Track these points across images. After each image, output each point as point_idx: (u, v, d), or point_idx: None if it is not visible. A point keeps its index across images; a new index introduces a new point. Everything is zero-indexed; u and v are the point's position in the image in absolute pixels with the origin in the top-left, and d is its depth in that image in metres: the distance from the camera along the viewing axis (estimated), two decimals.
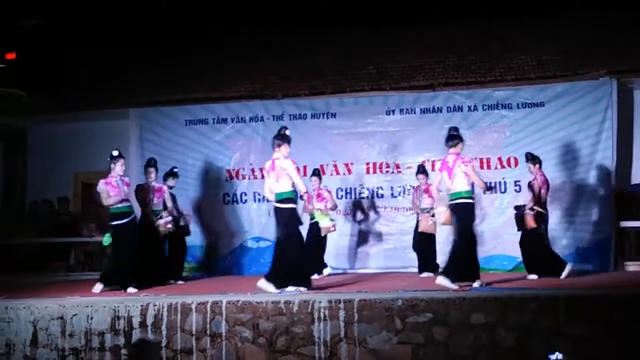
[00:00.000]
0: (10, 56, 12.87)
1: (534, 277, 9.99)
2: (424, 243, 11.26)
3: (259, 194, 12.82)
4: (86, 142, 13.86)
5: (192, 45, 15.79)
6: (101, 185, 9.72)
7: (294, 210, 8.95)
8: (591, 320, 6.94)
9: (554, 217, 11.73)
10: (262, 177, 12.58)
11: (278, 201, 8.89)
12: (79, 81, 14.60)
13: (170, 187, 11.23)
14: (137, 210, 10.50)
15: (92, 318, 7.79)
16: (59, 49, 14.76)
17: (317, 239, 11.18)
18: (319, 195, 11.56)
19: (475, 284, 8.72)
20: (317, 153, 12.73)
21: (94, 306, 7.85)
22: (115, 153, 9.85)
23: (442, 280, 8.55)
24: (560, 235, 11.70)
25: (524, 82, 12.44)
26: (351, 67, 13.86)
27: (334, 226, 10.56)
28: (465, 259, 8.84)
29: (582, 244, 11.61)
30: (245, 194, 13.04)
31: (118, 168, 9.78)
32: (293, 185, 8.90)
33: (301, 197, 9.83)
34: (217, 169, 13.20)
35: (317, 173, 11.84)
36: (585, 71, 12.18)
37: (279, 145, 8.95)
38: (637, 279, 9.74)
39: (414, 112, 12.66)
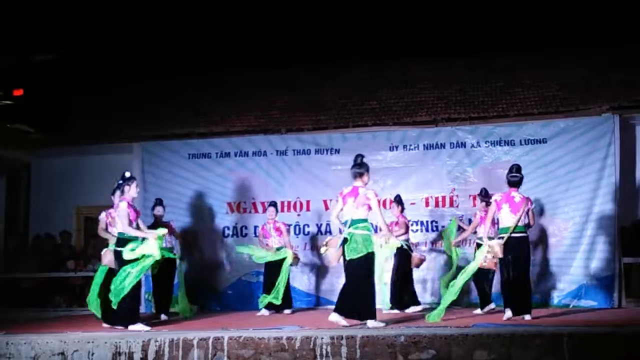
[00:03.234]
0: (18, 92, 12.96)
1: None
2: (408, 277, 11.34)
3: (258, 228, 12.80)
4: (88, 176, 13.90)
5: (196, 80, 15.92)
6: (124, 206, 9.14)
7: (368, 237, 8.68)
8: (595, 358, 6.89)
9: (558, 254, 11.76)
10: (264, 210, 12.67)
11: (352, 227, 8.69)
12: (85, 117, 14.67)
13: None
14: None
15: (93, 354, 7.71)
16: (66, 85, 14.86)
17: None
18: (277, 229, 11.59)
19: (527, 317, 8.90)
20: (321, 188, 12.74)
21: (95, 342, 7.78)
22: (128, 174, 9.41)
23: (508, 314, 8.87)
24: (563, 271, 11.70)
25: (526, 118, 12.48)
26: (354, 103, 13.95)
27: None
28: (523, 291, 9.05)
29: (586, 281, 11.55)
30: (246, 227, 13.01)
31: (133, 190, 9.29)
32: (368, 214, 8.75)
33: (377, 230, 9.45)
34: (218, 202, 13.19)
35: (273, 204, 11.82)
36: (587, 107, 12.24)
37: (360, 175, 8.81)
38: None
39: (417, 148, 12.66)
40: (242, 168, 13.20)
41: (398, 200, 11.54)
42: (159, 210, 11.31)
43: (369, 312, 8.57)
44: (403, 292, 11.22)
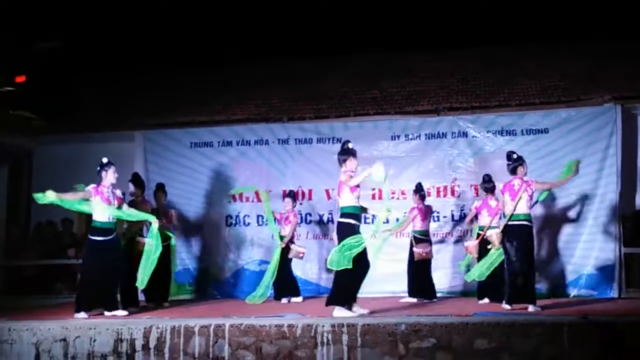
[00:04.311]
0: (20, 79, 12.96)
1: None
2: (420, 269, 11.27)
3: (262, 217, 12.82)
4: (90, 164, 13.79)
5: (198, 69, 15.93)
6: (90, 190, 9.23)
7: (352, 226, 8.62)
8: (595, 347, 6.92)
9: (559, 243, 11.77)
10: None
11: (340, 215, 8.71)
12: (87, 104, 14.70)
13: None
14: None
15: (95, 340, 7.76)
16: (69, 73, 14.89)
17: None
18: (286, 219, 11.63)
19: (531, 308, 8.81)
20: (323, 177, 12.74)
21: (97, 328, 7.83)
22: (104, 160, 9.42)
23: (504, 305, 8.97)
24: (564, 261, 11.71)
25: (528, 107, 12.46)
26: (356, 91, 13.94)
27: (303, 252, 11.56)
28: (522, 281, 8.97)
29: (586, 271, 11.57)
30: (248, 217, 13.02)
31: (110, 176, 9.35)
32: (357, 200, 8.66)
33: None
34: (220, 191, 13.20)
35: (291, 195, 11.88)
36: (589, 97, 12.23)
37: (344, 160, 8.76)
38: None
39: (419, 138, 12.65)
40: (244, 157, 13.19)
41: (416, 188, 11.46)
42: (160, 196, 11.35)
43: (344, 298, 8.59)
44: (417, 282, 11.18)
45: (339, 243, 8.57)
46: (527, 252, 9.10)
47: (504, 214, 9.62)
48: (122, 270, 9.43)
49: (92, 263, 9.22)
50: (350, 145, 8.86)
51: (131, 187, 10.86)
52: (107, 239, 9.26)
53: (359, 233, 8.66)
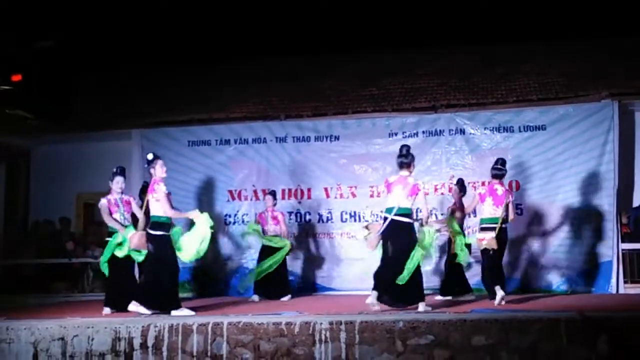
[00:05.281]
0: (16, 78, 12.93)
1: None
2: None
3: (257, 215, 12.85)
4: (88, 163, 13.90)
5: (196, 68, 15.92)
6: (163, 188, 8.96)
7: (411, 225, 8.74)
8: (593, 343, 6.92)
9: (557, 240, 11.78)
10: (265, 198, 12.73)
11: (398, 214, 8.64)
12: (84, 103, 14.69)
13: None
14: None
15: (93, 339, 7.74)
16: (65, 71, 14.88)
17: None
18: (273, 218, 11.64)
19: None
20: (322, 175, 12.78)
21: (95, 327, 7.81)
22: (150, 156, 9.07)
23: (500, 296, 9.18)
24: (562, 257, 11.72)
25: (526, 104, 12.45)
26: (354, 89, 13.93)
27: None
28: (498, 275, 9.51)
29: (584, 266, 11.60)
30: (247, 215, 13.02)
31: (159, 171, 8.99)
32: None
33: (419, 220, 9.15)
34: (219, 189, 13.19)
35: (272, 193, 11.92)
36: (587, 93, 12.21)
37: (408, 165, 8.81)
38: (639, 301, 9.71)
39: (417, 135, 12.63)
40: (242, 155, 13.19)
41: (461, 183, 11.19)
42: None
43: (420, 295, 8.66)
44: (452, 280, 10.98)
45: (398, 241, 8.63)
46: (503, 251, 9.73)
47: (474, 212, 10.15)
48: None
49: (155, 259, 9.00)
50: (411, 150, 8.94)
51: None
52: (166, 234, 9.04)
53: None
